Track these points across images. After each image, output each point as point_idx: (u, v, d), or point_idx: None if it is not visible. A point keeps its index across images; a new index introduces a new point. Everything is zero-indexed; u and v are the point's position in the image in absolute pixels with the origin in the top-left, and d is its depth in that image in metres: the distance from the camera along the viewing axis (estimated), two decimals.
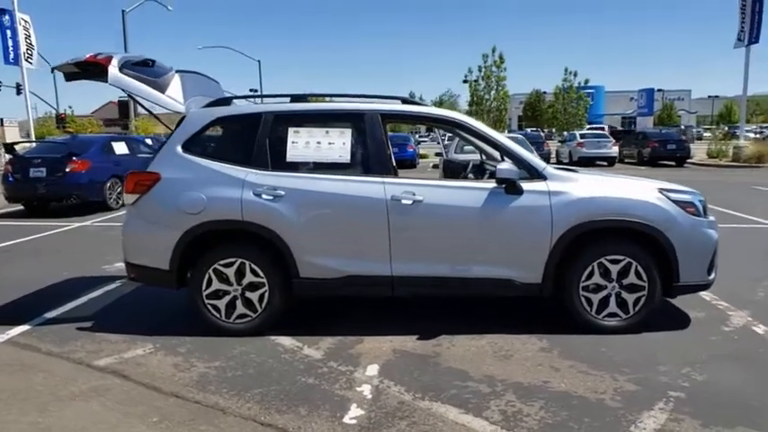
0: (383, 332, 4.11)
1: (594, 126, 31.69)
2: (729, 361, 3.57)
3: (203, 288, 4.07)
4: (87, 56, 4.06)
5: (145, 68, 4.26)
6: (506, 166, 3.86)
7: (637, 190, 4.01)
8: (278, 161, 4.08)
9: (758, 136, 28.56)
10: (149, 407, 3.09)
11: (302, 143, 4.08)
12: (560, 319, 4.17)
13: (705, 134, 52.50)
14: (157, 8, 27.47)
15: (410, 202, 3.92)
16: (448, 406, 3.04)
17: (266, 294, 4.05)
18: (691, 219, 3.97)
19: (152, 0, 26.60)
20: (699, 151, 26.04)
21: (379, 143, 4.07)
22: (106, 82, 4.19)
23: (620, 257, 3.95)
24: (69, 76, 4.39)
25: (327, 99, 4.59)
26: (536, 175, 3.99)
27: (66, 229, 9.18)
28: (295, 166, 4.07)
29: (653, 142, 22.91)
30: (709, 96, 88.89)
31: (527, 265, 3.96)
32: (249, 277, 4.04)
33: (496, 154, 5.11)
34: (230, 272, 4.04)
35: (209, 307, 4.09)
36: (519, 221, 3.92)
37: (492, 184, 3.97)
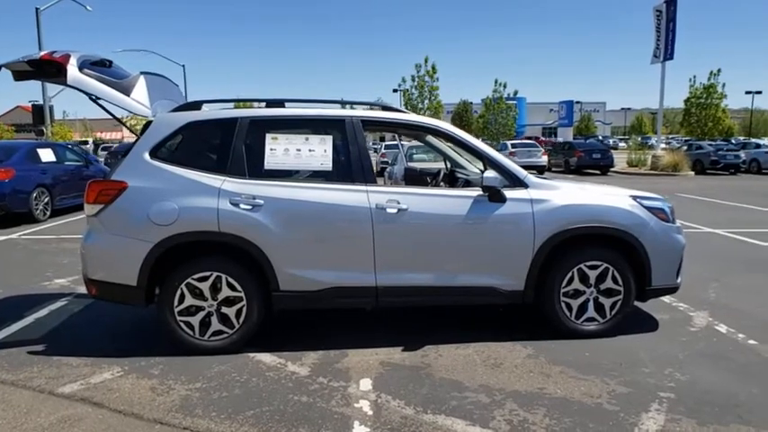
0: (366, 345, 4.00)
1: (529, 136, 32.92)
2: (705, 359, 3.76)
3: (175, 304, 3.79)
4: (42, 53, 3.71)
5: (104, 69, 3.95)
6: (492, 174, 3.88)
7: (613, 197, 4.15)
8: (255, 169, 3.88)
9: (667, 146, 30.94)
10: None
11: (281, 150, 3.91)
12: (538, 325, 4.24)
13: (620, 144, 56.30)
14: (77, 9, 25.78)
15: (395, 210, 3.85)
16: (453, 418, 2.98)
17: (244, 309, 3.83)
18: (662, 224, 4.16)
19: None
20: (619, 161, 27.76)
21: (361, 150, 3.97)
22: (62, 83, 3.85)
23: (598, 263, 4.07)
24: (19, 75, 3.97)
25: (302, 105, 4.43)
26: (518, 183, 4.04)
27: None
28: (274, 174, 3.89)
29: (579, 152, 24.19)
30: (622, 108, 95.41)
31: (510, 273, 4.00)
32: (225, 291, 3.81)
33: (466, 165, 5.20)
34: (205, 286, 3.79)
35: (182, 324, 3.81)
36: (503, 229, 3.95)
37: (476, 192, 3.98)
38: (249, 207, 3.74)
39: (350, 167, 3.93)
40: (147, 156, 3.84)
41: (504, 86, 30.46)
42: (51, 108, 24.93)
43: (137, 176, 3.78)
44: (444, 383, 3.41)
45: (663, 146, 35.63)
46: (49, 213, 10.40)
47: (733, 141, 31.72)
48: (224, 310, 3.83)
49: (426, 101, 30.57)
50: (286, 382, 3.43)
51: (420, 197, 3.95)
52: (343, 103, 4.24)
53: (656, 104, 24.51)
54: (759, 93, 57.90)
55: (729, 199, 13.62)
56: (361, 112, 4.16)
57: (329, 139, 3.96)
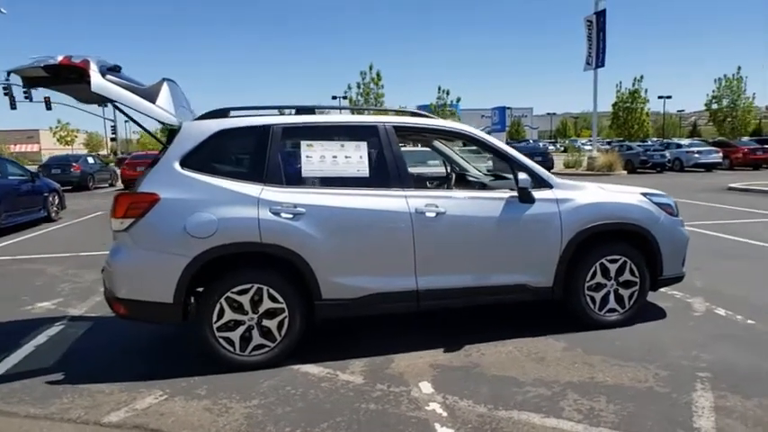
0: (406, 349, 4.01)
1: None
2: (719, 340, 4.06)
3: (214, 320, 3.65)
4: (61, 58, 3.46)
5: (123, 75, 3.76)
6: (524, 176, 4.03)
7: (628, 195, 4.42)
8: (293, 176, 3.82)
9: (592, 148, 33.09)
10: None
11: (317, 157, 3.87)
12: (557, 319, 4.43)
13: (550, 147, 59.24)
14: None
15: (434, 214, 3.90)
16: (526, 412, 3.07)
17: (286, 321, 3.75)
18: (670, 218, 4.48)
19: None
20: (555, 162, 29.15)
21: (396, 155, 4.00)
22: (75, 95, 3.64)
23: (618, 257, 4.31)
24: (30, 81, 3.69)
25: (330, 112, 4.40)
26: (543, 183, 4.21)
27: None
28: (311, 182, 3.84)
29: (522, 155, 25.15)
30: (547, 113, 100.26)
31: (540, 270, 4.15)
32: (267, 304, 3.71)
33: (470, 169, 5.35)
34: (245, 299, 3.68)
35: (221, 340, 3.67)
36: (533, 228, 4.10)
37: (507, 194, 4.12)
38: (291, 216, 3.67)
39: (386, 173, 3.95)
40: (177, 165, 3.68)
41: (447, 93, 31.27)
42: None
43: (169, 188, 3.62)
44: (500, 380, 3.50)
45: (587, 147, 37.86)
46: None
47: (649, 142, 34.20)
48: (265, 322, 3.73)
49: (373, 108, 30.79)
50: (345, 392, 3.39)
51: (456, 200, 4.03)
52: (371, 110, 4.24)
53: (577, 109, 26.37)
54: (669, 97, 62.83)
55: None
56: (392, 118, 4.19)
57: (364, 145, 3.96)
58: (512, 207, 4.07)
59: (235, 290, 3.65)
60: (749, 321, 4.45)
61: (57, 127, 71.49)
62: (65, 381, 3.66)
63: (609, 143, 39.10)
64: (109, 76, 3.56)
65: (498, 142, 4.38)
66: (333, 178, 3.87)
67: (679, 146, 27.32)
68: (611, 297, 4.36)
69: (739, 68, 37.61)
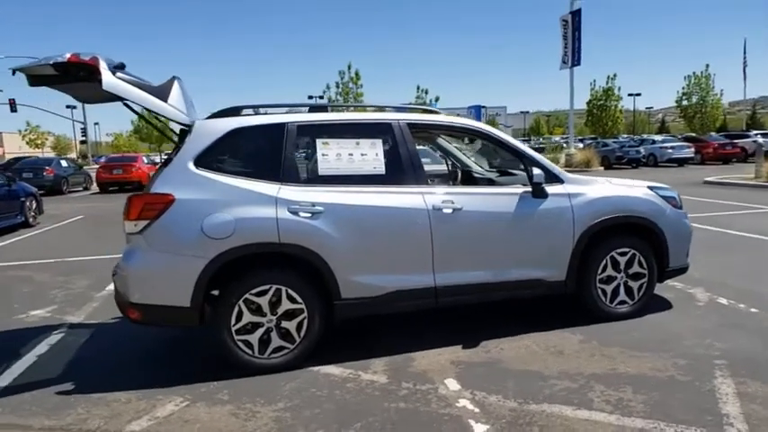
0: (423, 347, 3.99)
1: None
2: (727, 328, 4.16)
3: (232, 323, 3.57)
4: (69, 55, 3.34)
5: (129, 73, 3.65)
6: (538, 171, 4.05)
7: (635, 189, 4.49)
8: (309, 175, 3.77)
9: (566, 145, 33.79)
10: None
11: (333, 155, 3.82)
12: (566, 313, 4.49)
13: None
14: None
15: (450, 210, 3.90)
16: (558, 405, 3.08)
17: (305, 322, 3.69)
18: (675, 211, 4.56)
19: None
20: None
21: (411, 152, 3.98)
22: (74, 93, 3.53)
23: (627, 250, 4.37)
24: (35, 80, 3.55)
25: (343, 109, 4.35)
26: (554, 179, 4.24)
27: None
28: (328, 180, 3.79)
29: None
30: (521, 112, 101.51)
31: (554, 264, 4.18)
32: (285, 305, 3.65)
33: (472, 165, 5.37)
34: (264, 301, 3.61)
35: (240, 344, 3.59)
36: (546, 222, 4.13)
37: (520, 189, 4.13)
38: (309, 215, 3.62)
39: (402, 170, 3.92)
40: (191, 165, 3.59)
41: (426, 92, 31.35)
42: None
43: (183, 188, 3.52)
44: (524, 375, 3.50)
45: (564, 144, 38.49)
46: None
47: (620, 139, 34.94)
48: (284, 324, 3.66)
49: (352, 108, 30.62)
50: (372, 392, 3.35)
51: (471, 196, 4.03)
52: (383, 107, 4.22)
53: (549, 107, 26.65)
54: (639, 95, 64.31)
55: None
56: (406, 115, 4.17)
57: (379, 142, 3.93)
58: (526, 202, 4.09)
59: (253, 291, 3.58)
60: (752, 310, 4.56)
61: (26, 130, 69.94)
62: (76, 390, 3.53)
63: (581, 140, 39.80)
64: (119, 74, 3.46)
65: (511, 139, 4.40)
66: (349, 176, 3.83)
67: (653, 142, 27.97)
68: (622, 289, 4.42)
69: (707, 66, 38.77)
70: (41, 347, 4.34)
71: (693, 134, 34.01)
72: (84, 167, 27.60)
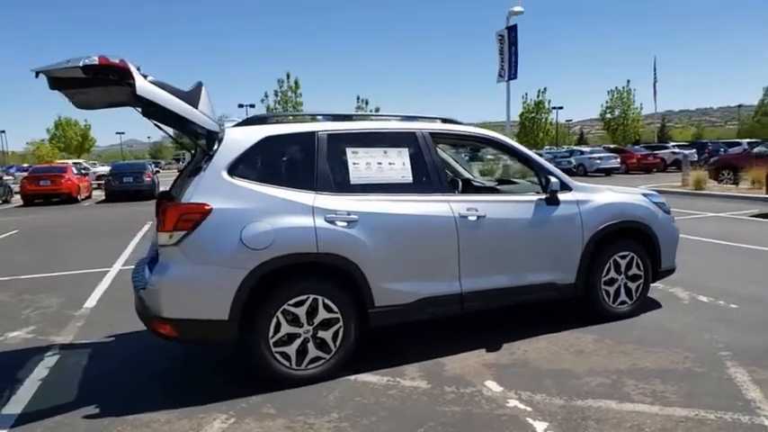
0: (448, 352, 4.07)
1: None
2: (718, 323, 4.53)
3: (270, 335, 3.49)
4: (98, 57, 3.16)
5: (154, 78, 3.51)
6: (555, 179, 4.27)
7: (633, 196, 4.83)
8: (342, 183, 3.77)
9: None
10: None
11: (363, 164, 3.84)
12: (567, 314, 4.73)
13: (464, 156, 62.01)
14: None
15: (475, 217, 4.02)
16: (602, 400, 3.25)
17: (341, 331, 3.67)
18: (665, 216, 4.94)
19: None
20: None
21: (436, 161, 4.08)
22: (76, 99, 3.40)
23: (626, 253, 4.68)
24: (57, 83, 3.32)
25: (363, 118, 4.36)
26: (564, 187, 4.48)
27: None
28: (359, 189, 3.80)
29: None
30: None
31: (566, 268, 4.41)
32: (322, 314, 3.61)
33: (466, 174, 5.52)
34: (301, 311, 3.56)
35: (277, 356, 3.52)
36: (559, 228, 4.36)
37: (536, 197, 4.34)
38: (345, 223, 3.62)
39: (429, 178, 4.01)
40: (225, 174, 3.49)
41: (366, 103, 31.57)
42: None
43: (219, 197, 3.42)
44: (557, 374, 3.66)
45: (489, 157, 40.05)
46: None
47: (550, 150, 36.84)
48: (320, 334, 3.62)
49: (291, 117, 30.29)
50: (419, 397, 3.39)
51: (493, 204, 4.18)
52: (403, 117, 4.29)
53: (491, 118, 27.66)
54: (561, 108, 67.91)
55: None
56: (427, 125, 4.25)
57: (405, 151, 3.99)
58: (541, 209, 4.30)
59: (291, 302, 3.52)
60: (732, 306, 5.00)
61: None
62: (103, 413, 3.31)
63: None
64: (150, 78, 3.31)
65: (525, 149, 4.60)
66: (379, 185, 3.86)
67: (582, 153, 29.73)
68: (622, 290, 4.71)
69: (628, 81, 41.82)
70: (40, 371, 4.02)
71: (616, 146, 36.48)
72: (5, 178, 25.46)
